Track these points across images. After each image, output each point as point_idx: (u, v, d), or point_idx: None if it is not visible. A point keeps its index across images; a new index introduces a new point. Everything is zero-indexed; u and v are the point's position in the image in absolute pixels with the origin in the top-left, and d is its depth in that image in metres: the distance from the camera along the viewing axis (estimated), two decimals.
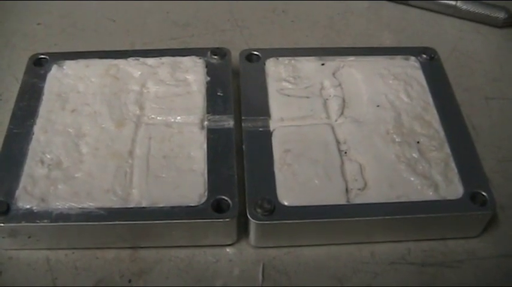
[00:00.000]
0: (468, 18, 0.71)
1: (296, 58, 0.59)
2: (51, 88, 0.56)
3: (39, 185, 0.49)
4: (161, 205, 0.48)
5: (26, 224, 0.47)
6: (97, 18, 0.70)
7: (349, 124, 0.54)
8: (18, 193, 0.48)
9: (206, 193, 0.48)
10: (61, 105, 0.55)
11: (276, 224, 0.47)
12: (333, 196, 0.49)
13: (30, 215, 0.47)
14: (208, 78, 0.57)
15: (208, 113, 0.54)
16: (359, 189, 0.49)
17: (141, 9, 0.71)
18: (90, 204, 0.48)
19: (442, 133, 0.53)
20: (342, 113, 0.55)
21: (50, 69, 0.58)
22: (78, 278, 0.48)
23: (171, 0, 0.72)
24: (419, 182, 0.50)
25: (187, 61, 0.58)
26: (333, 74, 0.58)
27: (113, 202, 0.48)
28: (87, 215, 0.47)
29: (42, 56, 0.59)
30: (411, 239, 0.50)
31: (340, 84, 0.57)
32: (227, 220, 0.47)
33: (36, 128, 0.53)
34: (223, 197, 0.48)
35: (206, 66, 0.58)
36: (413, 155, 0.51)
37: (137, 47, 0.65)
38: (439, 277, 0.49)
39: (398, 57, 0.60)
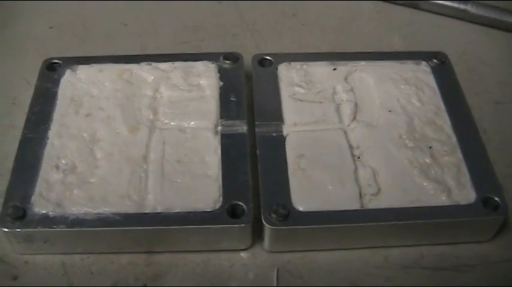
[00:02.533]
0: (478, 22, 0.71)
1: (308, 63, 0.59)
2: (65, 93, 0.56)
3: (55, 190, 0.49)
4: (176, 210, 0.48)
5: (42, 229, 0.47)
6: (109, 22, 0.70)
7: (361, 129, 0.54)
8: (34, 198, 0.49)
9: (221, 199, 0.49)
10: (75, 109, 0.55)
11: (290, 229, 0.48)
12: (347, 201, 0.49)
13: (46, 220, 0.47)
14: (221, 83, 0.57)
15: (221, 118, 0.54)
16: (372, 194, 0.50)
17: (152, 14, 0.72)
18: (105, 209, 0.48)
19: (454, 138, 0.54)
20: (354, 118, 0.55)
21: (64, 74, 0.58)
22: (94, 282, 0.48)
23: (182, 4, 0.73)
24: (432, 187, 0.50)
25: (199, 66, 0.59)
26: (345, 78, 0.58)
27: (128, 207, 0.48)
28: (102, 221, 0.47)
29: (56, 61, 0.59)
30: (424, 243, 0.51)
31: (352, 89, 0.57)
32: (242, 225, 0.47)
33: (50, 133, 0.53)
34: (238, 202, 0.48)
35: (219, 71, 0.58)
36: (426, 160, 0.52)
37: (149, 51, 0.66)
38: (452, 282, 0.49)
39: (409, 61, 0.60)
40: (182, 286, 0.48)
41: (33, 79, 0.58)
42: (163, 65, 0.59)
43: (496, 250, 0.51)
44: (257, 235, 0.50)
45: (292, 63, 0.59)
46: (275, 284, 0.48)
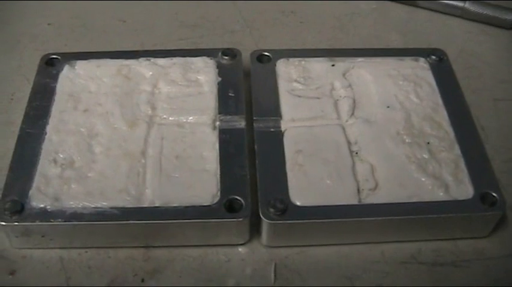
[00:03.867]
0: (476, 20, 0.71)
1: (306, 59, 0.59)
2: (63, 88, 0.56)
3: (53, 185, 0.49)
4: (174, 205, 0.48)
5: (39, 223, 0.47)
6: (107, 19, 0.70)
7: (359, 125, 0.54)
8: (31, 192, 0.49)
9: (219, 193, 0.49)
10: (73, 105, 0.55)
11: (288, 224, 0.48)
12: (345, 196, 0.49)
13: (43, 215, 0.47)
14: (220, 79, 0.57)
15: (220, 113, 0.54)
16: (370, 189, 0.50)
17: (150, 10, 0.72)
18: (103, 203, 0.48)
19: (451, 134, 0.54)
20: (352, 114, 0.55)
21: (62, 69, 0.58)
22: (91, 277, 0.48)
23: (180, 0, 0.73)
24: (430, 183, 0.50)
25: (198, 62, 0.59)
26: (343, 75, 0.58)
27: (126, 201, 0.48)
28: (100, 215, 0.47)
29: (54, 56, 0.59)
30: (421, 239, 0.51)
31: (350, 85, 0.57)
32: (240, 219, 0.47)
33: (48, 128, 0.53)
34: (236, 197, 0.48)
35: (217, 67, 0.58)
36: (424, 155, 0.52)
37: (147, 48, 0.65)
38: (449, 277, 0.49)
39: (408, 58, 0.60)
40: (180, 280, 0.48)
41: (32, 76, 0.58)
42: (162, 61, 0.59)
43: (494, 245, 0.51)
44: (255, 229, 0.50)
45: (291, 60, 0.59)
46: (272, 280, 0.48)
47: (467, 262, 0.50)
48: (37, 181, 0.49)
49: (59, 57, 0.59)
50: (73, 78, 0.57)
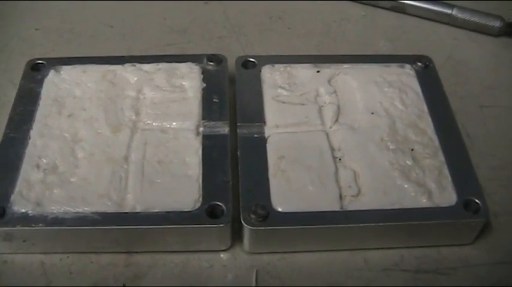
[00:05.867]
0: (464, 27, 0.71)
1: (292, 65, 0.59)
2: (48, 93, 0.56)
3: (35, 190, 0.49)
4: (156, 210, 0.48)
5: (21, 228, 0.47)
6: (95, 24, 0.70)
7: (343, 131, 0.54)
8: (13, 197, 0.48)
9: (200, 199, 0.48)
10: (58, 110, 0.55)
11: (269, 230, 0.47)
12: (327, 203, 0.49)
13: (25, 219, 0.47)
14: (204, 85, 0.57)
15: (203, 119, 0.54)
16: (353, 196, 0.49)
17: (138, 16, 0.72)
18: (85, 208, 0.48)
19: (436, 141, 0.54)
20: (336, 120, 0.55)
21: (47, 74, 0.58)
22: (73, 282, 0.48)
23: (168, 6, 0.73)
24: (413, 189, 0.50)
25: (183, 67, 0.59)
26: (328, 81, 0.58)
27: (107, 206, 0.48)
28: (82, 220, 0.47)
29: (40, 61, 0.59)
30: (404, 246, 0.50)
31: (335, 92, 0.57)
32: (221, 225, 0.47)
33: (32, 133, 0.53)
34: (218, 202, 0.48)
35: (202, 73, 0.58)
36: (407, 162, 0.52)
37: (134, 53, 0.65)
38: (432, 284, 0.49)
39: (394, 65, 0.60)
40: (161, 286, 0.48)
41: (18, 80, 0.58)
42: (147, 67, 0.59)
43: (478, 253, 0.51)
44: (237, 236, 0.50)
45: (276, 66, 0.59)
46: (254, 286, 0.48)
47: (451, 270, 0.50)
48: (19, 185, 0.49)
49: (45, 63, 0.59)
50: (58, 83, 0.57)
